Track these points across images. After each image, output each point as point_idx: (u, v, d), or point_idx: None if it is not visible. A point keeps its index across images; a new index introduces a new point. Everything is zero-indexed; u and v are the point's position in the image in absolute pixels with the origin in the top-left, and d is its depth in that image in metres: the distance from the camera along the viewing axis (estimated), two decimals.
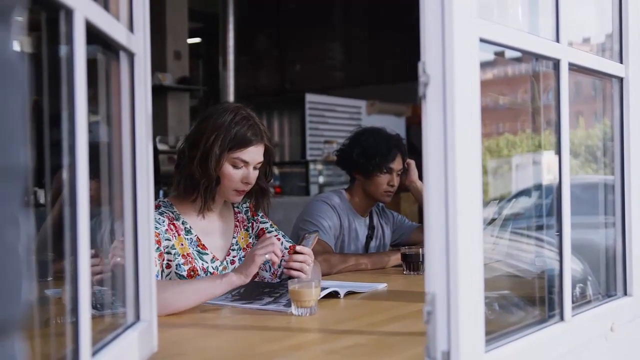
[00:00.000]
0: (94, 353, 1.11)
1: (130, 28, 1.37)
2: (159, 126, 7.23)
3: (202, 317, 1.91)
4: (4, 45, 0.59)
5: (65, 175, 1.03)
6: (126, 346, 1.27)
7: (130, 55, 1.37)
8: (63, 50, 1.04)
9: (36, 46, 1.07)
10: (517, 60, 1.76)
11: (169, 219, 2.21)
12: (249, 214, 2.45)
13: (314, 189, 7.55)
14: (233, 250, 2.36)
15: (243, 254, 2.37)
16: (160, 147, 6.80)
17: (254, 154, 2.24)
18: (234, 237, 2.38)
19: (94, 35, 1.13)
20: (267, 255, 2.00)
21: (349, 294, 2.22)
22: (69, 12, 1.01)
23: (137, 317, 1.39)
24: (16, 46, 0.61)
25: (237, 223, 2.41)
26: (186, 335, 1.76)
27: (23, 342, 0.62)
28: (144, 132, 1.40)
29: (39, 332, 1.23)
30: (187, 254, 2.21)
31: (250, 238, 2.42)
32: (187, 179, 2.23)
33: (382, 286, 2.39)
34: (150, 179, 1.42)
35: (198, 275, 2.20)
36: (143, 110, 1.40)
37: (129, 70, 1.38)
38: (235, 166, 2.22)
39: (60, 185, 1.11)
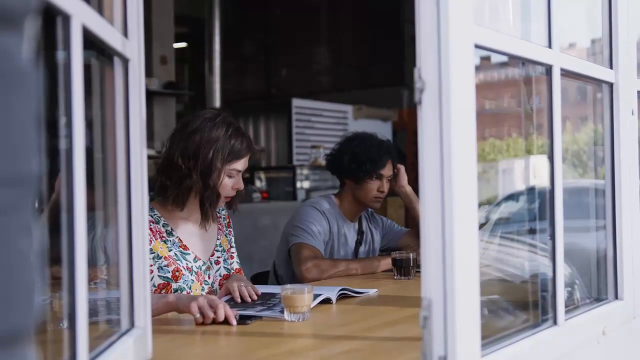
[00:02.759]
0: None
1: (125, 33, 1.36)
2: (145, 131, 7.18)
3: (195, 325, 1.90)
4: (16, 53, 0.59)
5: (62, 181, 1.03)
6: (121, 353, 1.27)
7: (125, 61, 1.36)
8: (60, 55, 1.04)
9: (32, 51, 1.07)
10: (503, 65, 1.78)
11: None
12: (226, 222, 2.55)
13: (300, 194, 7.53)
14: (217, 251, 2.44)
15: (226, 255, 2.47)
16: (147, 152, 6.74)
17: (245, 162, 2.36)
18: (217, 239, 2.46)
19: (89, 41, 1.13)
20: (197, 315, 1.86)
21: (343, 297, 2.22)
22: (66, 18, 1.01)
23: (132, 324, 1.39)
24: (28, 54, 0.61)
25: (220, 226, 2.50)
26: (180, 342, 1.76)
27: (35, 350, 0.62)
28: (139, 137, 1.40)
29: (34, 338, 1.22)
30: (169, 255, 2.26)
31: (228, 243, 2.52)
32: (185, 192, 2.28)
33: (373, 291, 2.40)
34: (144, 185, 1.41)
35: (183, 275, 2.26)
36: (137, 116, 1.39)
37: (123, 75, 1.37)
38: (230, 176, 2.32)
39: (51, 189, 1.10)
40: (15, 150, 0.58)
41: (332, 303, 2.15)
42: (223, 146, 2.27)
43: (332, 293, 2.18)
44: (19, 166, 0.58)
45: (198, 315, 1.86)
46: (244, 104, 9.68)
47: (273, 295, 2.22)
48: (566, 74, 1.63)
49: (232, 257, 2.53)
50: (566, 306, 1.64)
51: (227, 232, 2.53)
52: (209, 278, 2.37)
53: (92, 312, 1.41)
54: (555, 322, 1.55)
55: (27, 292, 0.58)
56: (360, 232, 3.20)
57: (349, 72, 9.84)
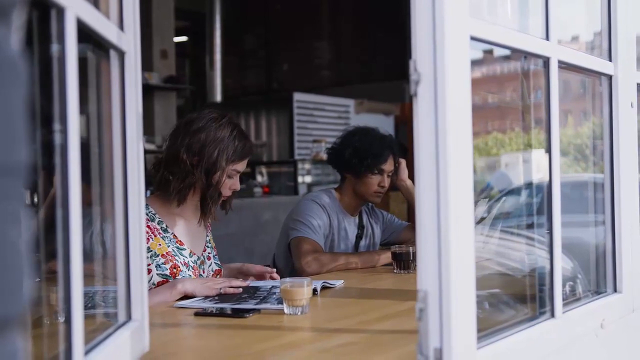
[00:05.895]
0: (87, 352, 1.11)
1: (121, 26, 1.36)
2: (146, 126, 7.16)
3: (194, 318, 1.91)
4: (3, 44, 0.59)
5: (57, 175, 1.03)
6: (118, 345, 1.27)
7: (121, 54, 1.36)
8: (54, 48, 1.03)
9: (26, 44, 1.07)
10: (506, 58, 1.77)
11: None
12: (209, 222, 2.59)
13: (302, 189, 7.54)
14: (208, 247, 2.50)
15: (215, 252, 2.53)
16: (147, 146, 6.77)
17: (245, 164, 2.43)
18: (207, 236, 2.52)
19: (84, 34, 1.13)
20: (222, 290, 2.17)
21: (341, 292, 2.23)
22: (61, 11, 1.01)
23: (129, 317, 1.39)
24: (16, 44, 0.61)
25: (208, 225, 2.55)
26: (177, 335, 1.76)
27: (24, 338, 0.62)
28: (135, 131, 1.40)
29: (29, 332, 1.23)
30: (167, 252, 2.30)
31: (213, 241, 2.58)
32: (187, 188, 2.32)
33: (340, 282, 2.43)
34: (141, 179, 1.41)
35: (181, 271, 2.30)
36: (134, 110, 1.39)
37: (120, 69, 1.37)
38: (230, 176, 2.37)
39: (49, 184, 1.11)
40: (3, 140, 0.58)
41: (317, 294, 2.17)
42: (227, 146, 2.32)
43: (316, 285, 2.22)
44: (8, 156, 0.59)
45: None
46: (245, 98, 9.69)
47: (258, 288, 2.24)
48: (564, 66, 1.63)
49: (209, 259, 2.55)
50: (567, 299, 1.64)
51: (211, 230, 2.59)
52: (203, 272, 2.42)
53: (92, 305, 1.42)
54: (552, 315, 1.55)
55: (15, 280, 0.59)
56: (360, 227, 3.20)
57: (351, 66, 9.84)
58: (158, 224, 2.33)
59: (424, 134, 1.19)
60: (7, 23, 0.59)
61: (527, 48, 1.52)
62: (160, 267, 2.27)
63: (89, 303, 1.40)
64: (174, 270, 2.28)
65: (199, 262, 2.41)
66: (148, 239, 2.25)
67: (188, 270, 2.32)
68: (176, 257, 2.31)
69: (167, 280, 2.25)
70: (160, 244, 2.30)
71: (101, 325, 1.37)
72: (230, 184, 2.38)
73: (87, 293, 1.38)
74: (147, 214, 2.31)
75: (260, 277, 2.47)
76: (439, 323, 1.18)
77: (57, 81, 1.03)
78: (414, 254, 2.71)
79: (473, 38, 1.27)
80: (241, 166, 2.39)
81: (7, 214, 0.58)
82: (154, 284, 2.23)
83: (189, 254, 2.37)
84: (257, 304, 2.01)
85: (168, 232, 2.34)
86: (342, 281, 2.46)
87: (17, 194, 0.60)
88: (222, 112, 2.44)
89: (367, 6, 9.51)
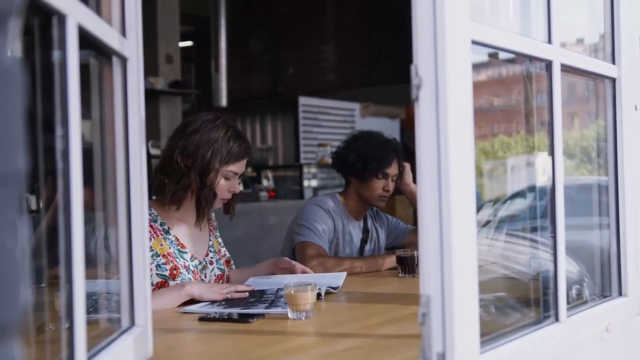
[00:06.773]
0: (89, 358, 1.11)
1: (123, 33, 1.37)
2: (151, 130, 7.20)
3: (197, 323, 1.91)
4: (1, 52, 0.59)
5: (59, 181, 1.03)
6: (121, 351, 1.27)
7: (123, 60, 1.36)
8: (55, 55, 1.04)
9: (28, 51, 1.07)
10: (511, 61, 1.77)
11: None
12: (215, 224, 2.60)
13: (308, 193, 7.54)
14: (211, 251, 2.49)
15: (218, 257, 2.52)
16: (153, 151, 6.78)
17: (243, 166, 2.41)
18: (210, 240, 2.51)
19: (86, 40, 1.13)
20: (228, 295, 2.16)
21: (328, 293, 2.25)
22: (62, 18, 1.01)
23: (132, 322, 1.39)
24: (13, 52, 0.61)
25: (211, 228, 2.55)
26: (181, 341, 1.76)
27: (21, 346, 0.62)
28: (138, 137, 1.40)
29: (34, 337, 1.23)
30: (168, 253, 2.31)
31: (219, 245, 2.57)
32: (182, 190, 2.32)
33: (342, 276, 2.46)
34: (144, 184, 1.41)
35: (180, 273, 2.30)
36: (136, 115, 1.39)
37: (122, 75, 1.37)
38: (226, 178, 2.36)
39: (54, 190, 1.11)
40: (1, 148, 0.58)
41: (321, 299, 2.16)
42: (221, 147, 2.32)
43: (326, 282, 2.24)
44: (5, 163, 0.59)
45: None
46: (250, 102, 9.68)
47: (264, 292, 2.24)
48: (567, 69, 1.63)
49: (221, 258, 2.55)
50: (573, 303, 1.63)
51: (216, 234, 2.59)
52: (205, 277, 2.42)
53: (94, 309, 1.42)
54: (557, 319, 1.55)
55: (12, 288, 0.59)
56: (365, 231, 3.20)
57: (356, 70, 9.82)
58: (160, 225, 2.34)
59: (426, 138, 1.19)
60: (3, 31, 0.59)
61: (529, 51, 1.52)
62: (160, 267, 2.27)
63: (92, 307, 1.41)
64: (174, 272, 2.28)
65: (200, 266, 2.41)
66: (150, 238, 2.25)
67: (188, 273, 2.32)
68: (177, 259, 2.31)
69: (166, 281, 2.25)
70: (162, 244, 2.30)
71: (104, 330, 1.37)
72: (228, 186, 2.37)
73: (90, 296, 1.38)
74: (149, 215, 2.31)
75: (291, 270, 2.51)
76: (442, 328, 1.18)
77: (58, 87, 1.03)
78: (419, 257, 2.70)
79: (474, 42, 1.27)
80: (237, 167, 2.37)
81: (3, 222, 0.58)
82: (152, 283, 2.24)
83: (190, 258, 2.37)
84: (266, 308, 2.01)
85: (170, 234, 2.35)
86: (345, 273, 2.48)
87: (14, 202, 0.60)
88: (218, 114, 2.44)
89: (372, 9, 9.51)
